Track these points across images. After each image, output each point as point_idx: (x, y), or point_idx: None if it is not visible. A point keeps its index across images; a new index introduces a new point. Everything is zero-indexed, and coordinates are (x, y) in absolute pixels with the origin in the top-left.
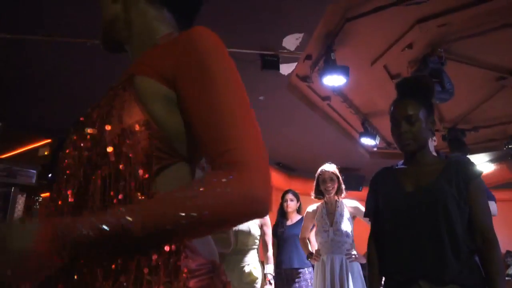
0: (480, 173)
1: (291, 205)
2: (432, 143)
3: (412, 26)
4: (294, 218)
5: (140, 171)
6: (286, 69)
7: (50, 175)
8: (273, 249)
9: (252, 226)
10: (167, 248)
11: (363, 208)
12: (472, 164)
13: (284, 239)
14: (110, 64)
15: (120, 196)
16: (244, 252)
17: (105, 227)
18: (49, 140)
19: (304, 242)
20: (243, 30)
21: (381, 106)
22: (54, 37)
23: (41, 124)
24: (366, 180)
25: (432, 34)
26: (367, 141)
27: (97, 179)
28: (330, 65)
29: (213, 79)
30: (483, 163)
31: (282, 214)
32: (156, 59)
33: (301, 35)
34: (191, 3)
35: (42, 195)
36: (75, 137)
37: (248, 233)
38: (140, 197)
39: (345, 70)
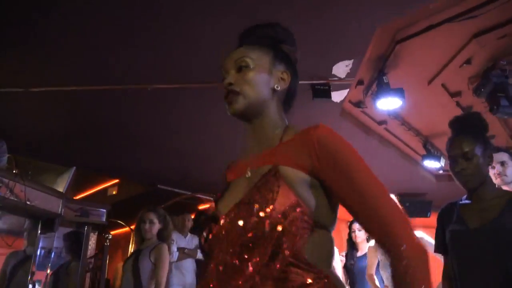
0: None
1: (360, 234)
2: None
3: (469, 41)
4: (365, 248)
5: (297, 242)
6: (337, 96)
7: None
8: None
9: None
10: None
11: (428, 238)
12: None
13: (355, 272)
14: (167, 108)
15: (278, 265)
16: None
17: None
18: (116, 180)
19: (371, 278)
20: None
21: (443, 126)
22: (117, 85)
23: (108, 165)
24: (434, 205)
25: (491, 47)
26: (431, 163)
27: (265, 249)
28: (383, 89)
29: (358, 174)
30: None
31: (351, 245)
32: (291, 152)
33: (350, 61)
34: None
35: (112, 232)
36: (233, 214)
37: None
38: (295, 264)
39: (400, 93)
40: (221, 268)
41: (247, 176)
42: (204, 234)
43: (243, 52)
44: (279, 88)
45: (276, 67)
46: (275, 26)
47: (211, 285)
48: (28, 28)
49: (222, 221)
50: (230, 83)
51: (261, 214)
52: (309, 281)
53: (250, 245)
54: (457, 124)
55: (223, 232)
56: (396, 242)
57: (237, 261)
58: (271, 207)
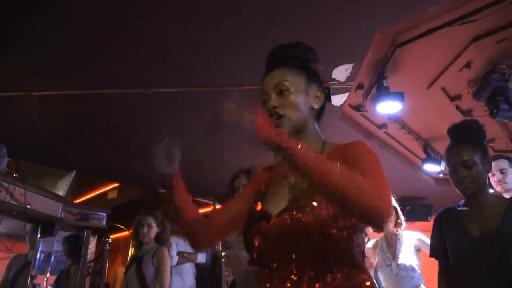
0: None
1: None
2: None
3: (468, 45)
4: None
5: (348, 244)
6: (337, 100)
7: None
8: None
9: None
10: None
11: (426, 239)
12: None
13: None
14: (167, 112)
15: (330, 265)
16: None
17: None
18: (116, 184)
19: None
20: None
21: (442, 130)
22: (117, 89)
23: (108, 169)
24: (435, 209)
25: (491, 50)
26: (431, 167)
27: (319, 249)
28: (383, 93)
29: (366, 162)
30: None
31: None
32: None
33: (350, 65)
34: None
35: (112, 236)
36: (287, 216)
37: None
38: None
39: (399, 96)
40: (275, 265)
41: (290, 182)
42: (253, 231)
43: (281, 76)
44: (316, 107)
45: (311, 86)
46: (300, 45)
47: (267, 285)
48: (28, 32)
49: (275, 221)
50: (274, 107)
51: (316, 217)
52: (360, 279)
53: (305, 245)
54: (455, 132)
55: (276, 232)
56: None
57: (290, 260)
58: (324, 211)
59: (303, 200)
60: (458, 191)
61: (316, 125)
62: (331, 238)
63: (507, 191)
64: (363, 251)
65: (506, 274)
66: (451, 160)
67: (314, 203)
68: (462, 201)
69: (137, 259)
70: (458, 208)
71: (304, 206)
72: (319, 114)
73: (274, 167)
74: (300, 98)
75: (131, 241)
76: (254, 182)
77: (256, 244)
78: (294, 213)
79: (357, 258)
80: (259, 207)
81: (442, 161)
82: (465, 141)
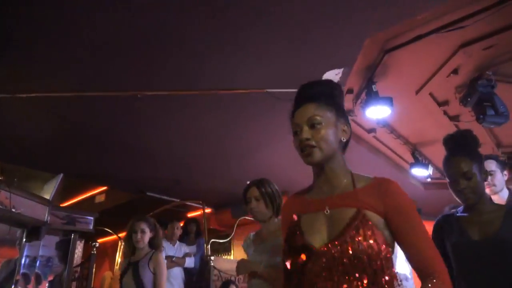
0: None
1: None
2: (503, 178)
3: (456, 51)
4: None
5: (389, 276)
6: None
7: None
8: None
9: None
10: None
11: None
12: None
13: None
14: (156, 115)
15: None
16: None
17: None
18: (104, 188)
19: None
20: (281, 69)
21: (431, 134)
22: (106, 91)
23: (96, 172)
24: (423, 213)
25: (478, 57)
26: (419, 171)
27: (361, 282)
28: (372, 97)
29: (415, 224)
30: None
31: None
32: (368, 199)
33: (340, 70)
34: None
35: (99, 240)
36: (331, 248)
37: None
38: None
39: (388, 101)
40: None
41: (326, 213)
42: (295, 261)
43: (313, 110)
44: (344, 140)
45: (339, 121)
46: (330, 83)
47: None
48: (15, 33)
49: (320, 251)
50: (307, 139)
51: (361, 246)
52: None
53: (351, 277)
54: (451, 143)
55: (322, 262)
56: (433, 274)
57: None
58: (368, 244)
59: (345, 231)
60: (459, 201)
61: (343, 157)
62: (373, 266)
63: (496, 193)
64: (395, 276)
65: (507, 277)
66: (450, 171)
67: (355, 233)
68: (461, 208)
69: (133, 265)
70: (457, 214)
71: (348, 236)
72: (344, 146)
73: (301, 195)
74: (331, 131)
75: (120, 246)
76: (284, 214)
77: (299, 272)
78: (338, 247)
79: (389, 284)
80: (299, 237)
81: (430, 166)
82: (462, 152)
